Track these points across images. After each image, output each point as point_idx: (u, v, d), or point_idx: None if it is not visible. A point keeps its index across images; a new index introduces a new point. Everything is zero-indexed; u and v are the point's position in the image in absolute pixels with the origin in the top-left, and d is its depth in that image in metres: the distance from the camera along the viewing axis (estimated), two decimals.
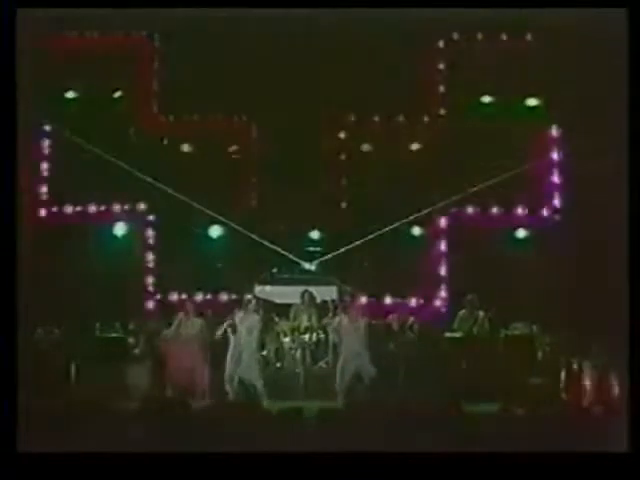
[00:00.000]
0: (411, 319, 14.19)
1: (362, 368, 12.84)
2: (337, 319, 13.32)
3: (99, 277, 15.31)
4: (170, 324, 13.84)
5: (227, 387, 12.89)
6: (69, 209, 16.17)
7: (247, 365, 12.87)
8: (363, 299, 15.24)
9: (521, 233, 16.08)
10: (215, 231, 16.01)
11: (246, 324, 12.97)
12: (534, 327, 13.96)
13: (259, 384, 12.81)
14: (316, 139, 16.03)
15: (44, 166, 16.28)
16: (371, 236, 15.73)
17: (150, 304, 15.93)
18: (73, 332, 13.91)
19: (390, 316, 14.23)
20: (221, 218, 15.84)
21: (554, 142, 16.26)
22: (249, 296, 13.60)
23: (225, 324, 13.07)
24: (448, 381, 13.28)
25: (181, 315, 13.71)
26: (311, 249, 16.02)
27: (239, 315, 13.06)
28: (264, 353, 14.32)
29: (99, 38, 16.38)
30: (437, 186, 15.86)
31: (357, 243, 15.66)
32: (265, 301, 14.21)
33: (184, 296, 15.55)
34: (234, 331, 12.97)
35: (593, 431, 9.19)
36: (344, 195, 16.33)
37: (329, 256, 15.72)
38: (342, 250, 15.65)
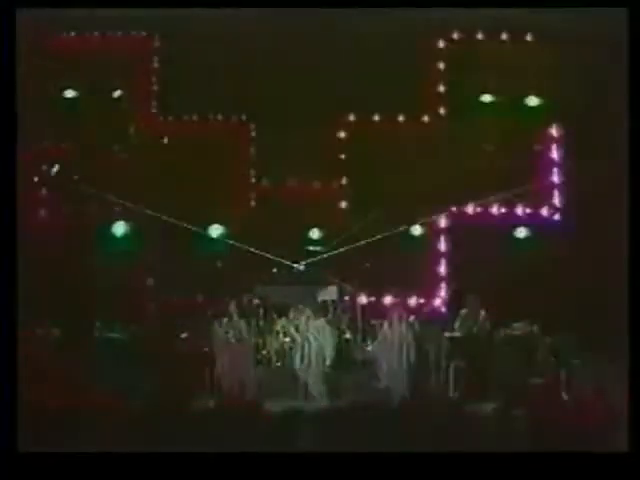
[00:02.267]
0: (411, 318, 14.18)
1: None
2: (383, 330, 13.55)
3: (99, 277, 15.29)
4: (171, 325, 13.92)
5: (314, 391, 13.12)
6: (69, 209, 16.15)
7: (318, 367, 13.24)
8: (363, 299, 15.27)
9: (521, 232, 16.05)
10: (215, 231, 15.99)
11: (314, 328, 13.38)
12: (534, 327, 13.95)
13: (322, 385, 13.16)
14: (316, 139, 16.00)
15: (44, 166, 16.26)
16: (371, 236, 15.71)
17: (150, 304, 15.91)
18: (73, 332, 13.91)
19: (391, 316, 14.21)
20: (220, 218, 15.81)
21: (554, 141, 16.25)
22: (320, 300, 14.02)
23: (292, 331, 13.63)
24: (448, 381, 13.28)
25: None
26: (311, 249, 15.99)
27: (306, 319, 13.56)
28: (264, 353, 14.36)
29: (99, 38, 16.36)
30: (437, 186, 15.83)
31: (357, 243, 15.64)
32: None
33: (184, 296, 15.54)
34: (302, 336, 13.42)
35: (593, 431, 9.21)
36: (344, 195, 16.31)
37: (328, 256, 15.69)
38: (342, 250, 15.62)
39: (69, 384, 13.29)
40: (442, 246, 16.09)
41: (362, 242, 15.61)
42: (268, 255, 15.50)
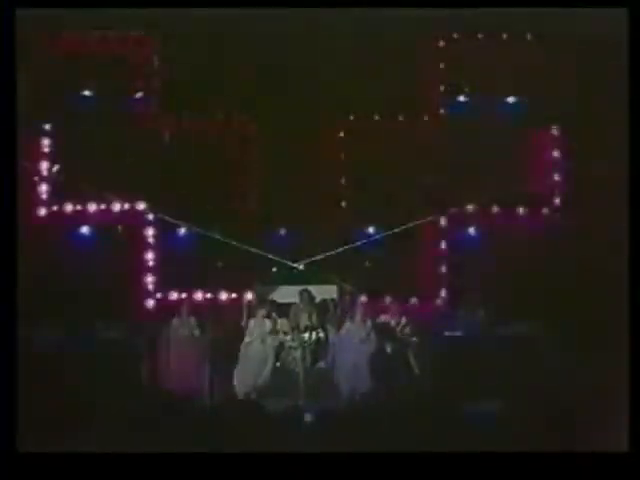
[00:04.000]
0: (404, 319, 14.18)
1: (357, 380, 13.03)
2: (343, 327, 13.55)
3: (99, 277, 15.29)
4: (170, 324, 13.96)
5: (239, 393, 13.18)
6: (69, 209, 16.14)
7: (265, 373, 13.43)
8: (363, 299, 15.25)
9: (521, 233, 16.04)
10: (215, 231, 15.98)
11: (258, 331, 13.54)
12: (535, 326, 13.95)
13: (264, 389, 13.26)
14: (316, 139, 16.00)
15: (44, 166, 16.25)
16: (371, 236, 15.72)
17: (150, 304, 15.90)
18: (73, 332, 13.91)
19: (390, 316, 14.22)
20: (221, 217, 15.81)
21: (554, 142, 16.24)
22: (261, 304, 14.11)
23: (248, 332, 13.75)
24: (448, 381, 13.28)
25: (177, 317, 13.86)
26: (311, 249, 15.97)
27: (252, 322, 13.74)
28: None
29: (99, 38, 16.36)
30: (437, 186, 15.83)
31: (357, 243, 15.64)
32: (271, 303, 14.43)
33: (184, 296, 15.54)
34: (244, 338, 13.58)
35: (593, 431, 9.21)
36: (344, 195, 16.30)
37: (329, 255, 15.66)
38: (342, 250, 15.61)
39: (69, 384, 13.32)
40: (442, 246, 16.09)
41: (361, 242, 15.63)
42: (268, 255, 15.49)
